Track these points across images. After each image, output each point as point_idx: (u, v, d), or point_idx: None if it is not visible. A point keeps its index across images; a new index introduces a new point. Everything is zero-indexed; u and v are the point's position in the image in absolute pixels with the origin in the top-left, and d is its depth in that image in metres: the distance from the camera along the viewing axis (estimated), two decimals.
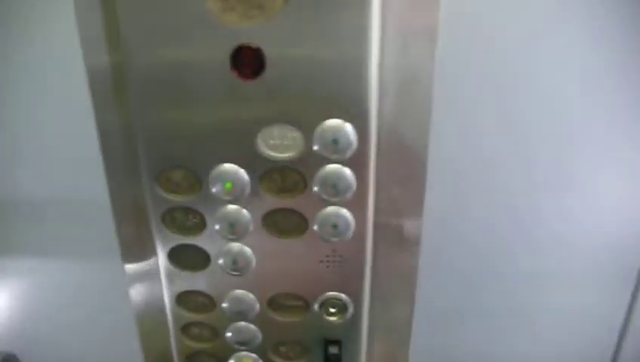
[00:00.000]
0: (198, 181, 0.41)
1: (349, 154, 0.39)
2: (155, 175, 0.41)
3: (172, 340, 0.50)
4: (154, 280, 0.48)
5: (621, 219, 0.48)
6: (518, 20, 0.41)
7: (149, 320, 0.50)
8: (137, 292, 0.49)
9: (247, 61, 0.37)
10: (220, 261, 0.44)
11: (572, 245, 0.49)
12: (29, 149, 0.49)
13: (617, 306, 0.52)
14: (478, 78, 0.43)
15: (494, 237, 0.49)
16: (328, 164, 0.40)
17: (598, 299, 0.51)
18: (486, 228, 0.49)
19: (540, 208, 0.48)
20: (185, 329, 0.49)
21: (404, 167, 0.42)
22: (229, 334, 0.48)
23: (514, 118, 0.44)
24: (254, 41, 0.36)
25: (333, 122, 0.38)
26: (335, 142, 0.39)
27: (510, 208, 0.48)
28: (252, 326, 0.47)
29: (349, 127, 0.38)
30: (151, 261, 0.47)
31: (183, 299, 0.47)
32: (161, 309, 0.49)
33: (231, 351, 0.49)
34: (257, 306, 0.46)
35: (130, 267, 0.48)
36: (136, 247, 0.47)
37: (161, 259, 0.45)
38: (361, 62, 0.37)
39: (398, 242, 0.44)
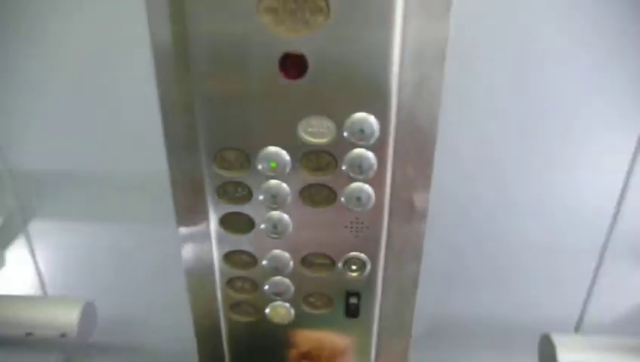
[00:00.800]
0: (247, 160, 0.50)
1: (372, 140, 0.48)
2: (212, 155, 0.50)
3: (218, 292, 0.60)
4: (204, 241, 0.57)
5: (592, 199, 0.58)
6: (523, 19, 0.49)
7: (198, 275, 0.60)
8: (188, 252, 0.59)
9: (293, 65, 0.46)
10: (263, 226, 0.54)
11: (552, 221, 0.59)
12: (91, 126, 0.58)
13: (585, 272, 0.62)
14: (490, 69, 0.52)
15: (488, 211, 0.59)
16: (355, 148, 0.49)
17: (571, 265, 0.62)
18: (482, 204, 0.59)
19: (528, 188, 0.58)
20: (229, 282, 0.58)
21: (417, 151, 0.51)
22: (266, 287, 0.58)
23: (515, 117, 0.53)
24: (299, 49, 0.45)
25: (360, 115, 0.47)
26: (362, 131, 0.48)
27: (504, 192, 0.57)
28: (286, 280, 0.57)
29: (373, 119, 0.47)
30: (203, 225, 0.56)
31: (229, 257, 0.57)
32: (209, 266, 0.58)
33: (268, 301, 0.59)
34: (292, 263, 0.56)
35: (184, 230, 0.58)
36: (190, 214, 0.56)
37: (213, 224, 0.55)
38: (385, 67, 0.45)
39: (409, 212, 0.54)
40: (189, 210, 0.56)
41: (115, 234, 0.63)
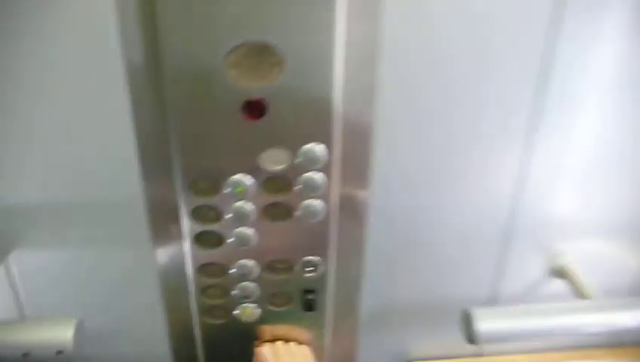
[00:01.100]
0: (218, 186, 0.60)
1: (320, 165, 0.59)
2: (187, 183, 0.59)
3: (192, 300, 0.68)
4: (178, 257, 0.66)
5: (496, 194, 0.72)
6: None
7: (172, 287, 0.69)
8: (163, 268, 0.67)
9: (254, 108, 0.55)
10: (231, 240, 0.63)
11: (465, 214, 0.73)
12: (66, 154, 0.64)
13: (494, 255, 0.77)
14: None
15: (415, 216, 0.72)
16: (307, 172, 0.59)
17: (484, 250, 0.76)
18: (411, 212, 0.72)
19: (444, 191, 0.71)
20: (203, 290, 0.68)
21: (357, 170, 0.63)
22: (235, 291, 0.67)
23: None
24: (259, 96, 0.55)
25: (310, 145, 0.58)
26: (312, 158, 0.58)
27: (427, 198, 0.70)
28: (253, 284, 0.67)
29: (321, 148, 0.58)
30: (177, 243, 0.65)
31: (202, 269, 0.66)
32: (183, 278, 0.67)
33: (237, 304, 0.69)
34: (257, 270, 0.66)
35: (159, 249, 0.66)
36: (164, 234, 0.65)
37: (187, 242, 0.63)
38: (329, 106, 0.56)
39: (353, 219, 0.66)
40: (163, 231, 0.65)
41: (90, 256, 0.70)
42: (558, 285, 0.80)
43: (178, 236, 0.64)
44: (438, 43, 0.61)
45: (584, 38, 0.63)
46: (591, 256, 0.81)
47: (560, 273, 0.80)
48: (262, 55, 0.53)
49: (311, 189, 0.60)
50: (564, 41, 0.63)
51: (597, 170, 0.73)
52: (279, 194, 0.61)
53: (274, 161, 0.59)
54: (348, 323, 0.75)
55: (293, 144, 0.58)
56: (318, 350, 0.73)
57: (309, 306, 0.69)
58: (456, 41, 0.61)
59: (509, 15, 0.61)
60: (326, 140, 0.58)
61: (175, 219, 0.63)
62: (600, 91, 0.67)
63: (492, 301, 0.80)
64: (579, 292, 0.77)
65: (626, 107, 0.69)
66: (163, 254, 0.67)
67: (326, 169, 0.60)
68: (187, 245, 0.64)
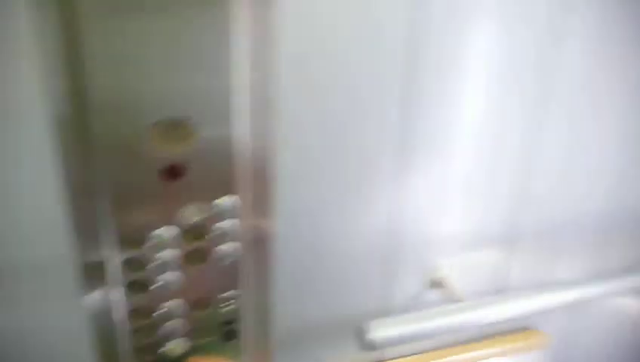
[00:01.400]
0: (144, 239, 0.68)
1: (232, 213, 0.70)
2: (116, 238, 0.67)
3: (122, 343, 0.75)
4: (108, 304, 0.73)
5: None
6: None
7: (103, 333, 0.75)
8: (94, 315, 0.74)
9: (174, 172, 0.66)
10: (158, 284, 0.72)
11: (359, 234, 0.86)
12: None
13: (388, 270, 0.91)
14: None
15: (316, 242, 0.84)
16: (222, 221, 0.70)
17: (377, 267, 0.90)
18: (313, 238, 0.84)
19: (349, 210, 0.84)
20: (133, 332, 0.75)
21: (264, 209, 0.75)
22: (164, 329, 0.75)
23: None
24: (178, 160, 0.65)
25: (224, 198, 0.69)
26: (224, 210, 0.69)
27: (325, 224, 0.83)
28: (179, 321, 0.75)
29: (232, 199, 0.69)
30: (107, 293, 0.72)
31: (132, 313, 0.73)
32: (113, 323, 0.74)
33: (165, 341, 0.77)
34: (181, 308, 0.75)
35: (90, 300, 0.72)
36: (95, 285, 0.72)
37: (117, 290, 0.71)
38: (238, 165, 0.68)
39: (262, 256, 0.77)
40: (93, 283, 0.72)
41: (20, 315, 0.74)
42: (437, 294, 0.96)
43: (108, 286, 0.71)
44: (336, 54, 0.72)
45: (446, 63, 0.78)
46: (462, 266, 0.97)
47: (437, 284, 0.96)
48: (179, 128, 0.63)
49: (225, 235, 0.71)
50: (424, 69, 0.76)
51: (467, 193, 0.90)
52: (198, 242, 0.71)
53: (192, 214, 0.69)
54: (265, 347, 0.85)
55: (208, 199, 0.69)
56: None
57: (229, 336, 0.79)
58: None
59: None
60: (237, 191, 0.69)
61: (104, 271, 0.70)
62: (470, 115, 0.83)
63: (385, 313, 0.94)
64: (453, 298, 0.93)
65: (497, 133, 0.85)
66: (93, 304, 0.73)
67: (237, 215, 0.71)
68: (117, 293, 0.72)
